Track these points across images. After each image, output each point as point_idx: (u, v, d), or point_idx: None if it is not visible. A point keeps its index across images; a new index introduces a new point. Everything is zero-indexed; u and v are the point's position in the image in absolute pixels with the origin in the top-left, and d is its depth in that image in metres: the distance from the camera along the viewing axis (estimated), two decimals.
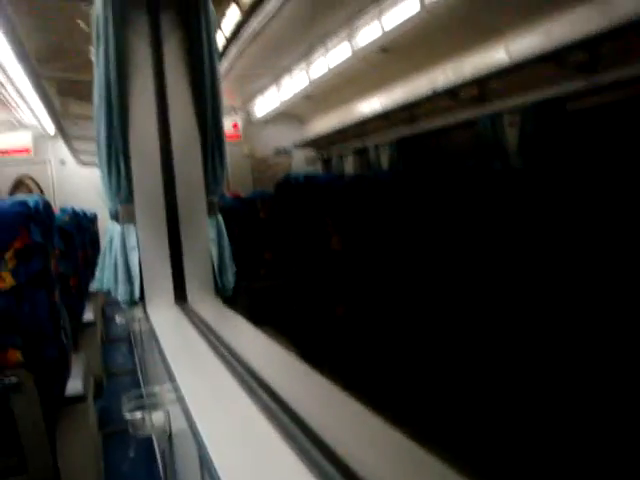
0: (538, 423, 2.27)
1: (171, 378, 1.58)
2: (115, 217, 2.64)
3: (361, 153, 11.15)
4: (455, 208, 2.74)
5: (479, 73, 6.77)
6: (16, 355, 2.09)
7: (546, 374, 2.45)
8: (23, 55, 6.12)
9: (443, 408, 2.32)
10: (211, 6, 2.63)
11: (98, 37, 2.48)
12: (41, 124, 12.21)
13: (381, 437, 1.02)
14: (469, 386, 2.44)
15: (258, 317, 2.34)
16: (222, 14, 6.29)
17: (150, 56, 2.56)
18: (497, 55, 6.85)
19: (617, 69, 4.89)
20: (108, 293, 2.75)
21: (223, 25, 6.57)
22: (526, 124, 6.17)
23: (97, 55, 2.51)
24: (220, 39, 6.69)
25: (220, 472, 0.96)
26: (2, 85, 9.43)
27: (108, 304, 7.35)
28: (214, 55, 2.67)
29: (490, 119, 6.81)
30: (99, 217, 8.56)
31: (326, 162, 12.67)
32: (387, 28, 7.54)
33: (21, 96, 9.95)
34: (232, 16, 6.30)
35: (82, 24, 4.26)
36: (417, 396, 2.33)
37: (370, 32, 7.96)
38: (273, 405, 1.18)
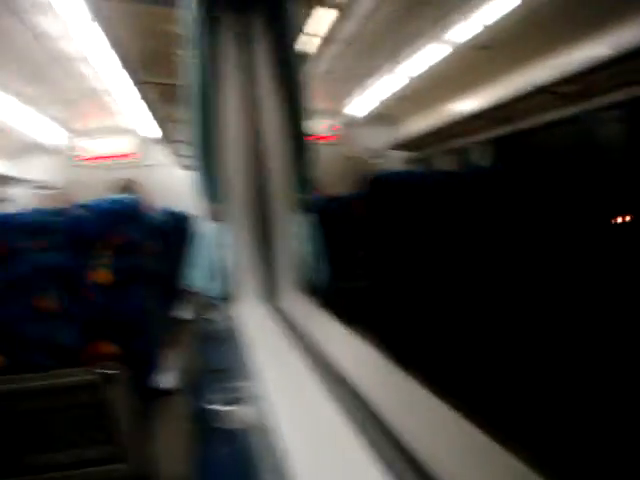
0: None
1: (257, 375, 1.59)
2: (208, 215, 2.69)
3: (459, 153, 10.97)
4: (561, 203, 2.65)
5: (579, 68, 6.53)
6: (111, 347, 2.15)
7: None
8: (127, 62, 6.34)
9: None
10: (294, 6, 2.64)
11: (189, 39, 2.52)
12: (146, 130, 12.64)
13: (470, 445, 0.98)
14: None
15: (352, 318, 2.32)
16: (315, 15, 6.32)
17: (239, 56, 2.59)
18: (598, 49, 6.61)
19: None
20: (203, 292, 2.80)
21: (319, 26, 6.60)
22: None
23: (189, 57, 2.56)
24: (315, 40, 6.73)
25: (297, 471, 0.96)
26: (109, 92, 9.84)
27: (206, 304, 7.49)
28: (300, 53, 2.68)
29: (592, 115, 6.57)
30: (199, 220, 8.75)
31: (423, 162, 12.53)
32: (486, 23, 7.39)
33: (127, 103, 10.35)
34: (327, 17, 6.33)
35: (177, 29, 4.37)
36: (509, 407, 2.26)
37: (468, 28, 7.81)
38: (360, 410, 1.15)
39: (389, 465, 0.91)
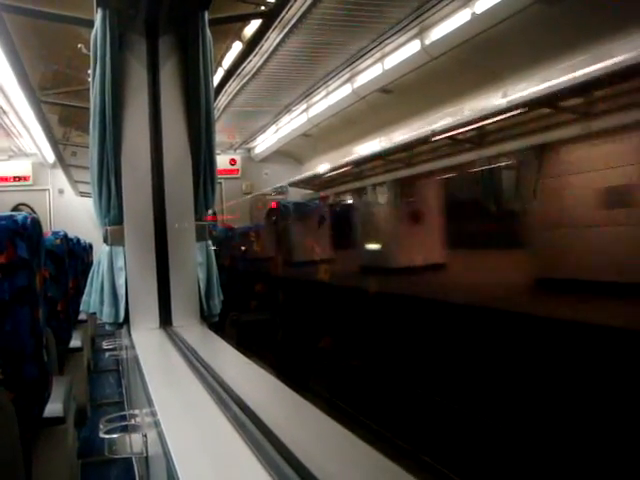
0: None
1: (149, 401, 1.55)
2: (105, 238, 2.63)
3: (358, 193, 11.15)
4: None
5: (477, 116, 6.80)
6: None
7: None
8: (25, 81, 6.15)
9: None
10: (208, 33, 2.65)
11: (96, 58, 2.49)
12: (41, 153, 12.30)
13: (353, 452, 1.00)
14: None
15: (246, 348, 2.32)
16: (225, 48, 6.35)
17: (146, 79, 2.58)
18: (494, 99, 6.93)
19: None
20: (100, 325, 2.73)
21: (224, 60, 6.63)
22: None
23: (94, 76, 2.52)
24: (220, 74, 6.74)
25: None
26: (4, 113, 9.51)
27: (99, 335, 7.28)
28: (209, 82, 2.68)
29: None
30: (95, 249, 8.53)
31: (323, 200, 12.66)
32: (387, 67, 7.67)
33: (23, 124, 10.04)
34: (234, 51, 6.37)
35: (84, 49, 4.30)
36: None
37: (371, 72, 8.07)
38: (255, 430, 1.15)
39: (282, 478, 0.91)
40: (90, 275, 2.75)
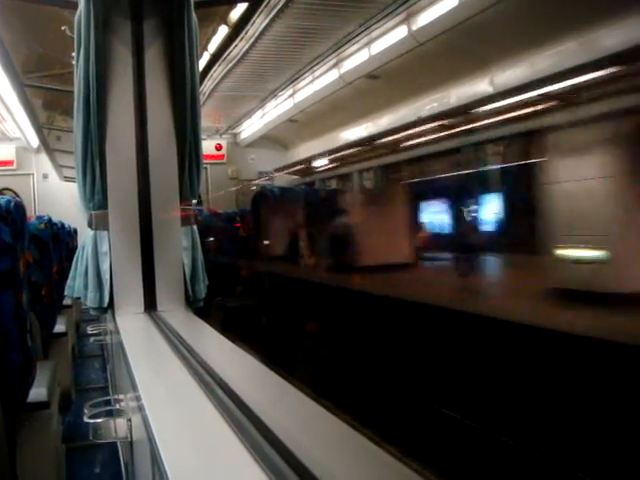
0: None
1: (134, 386, 1.55)
2: (89, 223, 2.61)
3: (344, 178, 11.17)
4: None
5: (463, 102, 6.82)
6: None
7: None
8: (8, 64, 6.08)
9: None
10: (194, 16, 2.62)
11: (80, 41, 2.46)
12: (25, 137, 12.16)
13: (336, 435, 1.00)
14: None
15: (232, 333, 2.31)
16: (211, 32, 6.31)
17: (131, 62, 2.55)
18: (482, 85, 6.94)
19: None
20: (85, 310, 2.72)
21: (210, 44, 6.59)
22: None
23: (78, 59, 2.49)
24: (206, 58, 6.70)
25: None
26: None
27: (83, 320, 7.26)
28: (195, 66, 2.66)
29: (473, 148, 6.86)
30: (80, 233, 8.49)
31: (309, 186, 12.68)
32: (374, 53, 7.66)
33: (6, 108, 9.93)
34: (220, 35, 6.33)
35: (68, 31, 4.25)
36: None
37: (358, 58, 8.05)
38: (239, 414, 1.15)
39: (266, 462, 0.92)
40: (74, 260, 2.73)
